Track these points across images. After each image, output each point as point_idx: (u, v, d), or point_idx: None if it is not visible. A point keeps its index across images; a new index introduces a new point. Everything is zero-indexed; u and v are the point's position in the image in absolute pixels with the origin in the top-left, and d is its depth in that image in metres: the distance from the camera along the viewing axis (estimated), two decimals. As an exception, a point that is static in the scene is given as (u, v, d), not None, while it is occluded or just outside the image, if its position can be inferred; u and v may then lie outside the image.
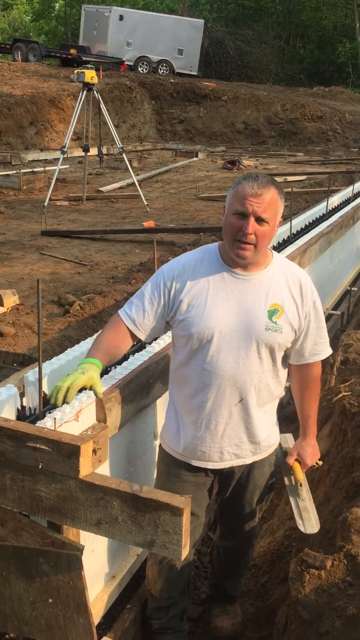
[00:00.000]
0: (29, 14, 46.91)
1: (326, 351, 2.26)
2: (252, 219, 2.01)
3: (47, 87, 19.68)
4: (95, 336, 2.40)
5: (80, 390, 2.34)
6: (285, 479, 2.37)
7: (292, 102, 24.14)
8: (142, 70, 26.16)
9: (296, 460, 2.34)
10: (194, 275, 2.13)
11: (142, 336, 2.20)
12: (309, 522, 2.28)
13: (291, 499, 2.34)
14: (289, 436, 2.46)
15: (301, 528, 2.29)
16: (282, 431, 2.45)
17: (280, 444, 2.40)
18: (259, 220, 2.01)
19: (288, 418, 3.68)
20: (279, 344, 2.12)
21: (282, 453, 2.39)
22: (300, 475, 2.33)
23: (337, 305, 6.12)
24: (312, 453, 2.35)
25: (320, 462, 2.44)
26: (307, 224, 5.89)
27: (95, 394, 2.06)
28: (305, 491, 2.34)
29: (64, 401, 1.97)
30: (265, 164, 17.23)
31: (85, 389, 2.29)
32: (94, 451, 1.94)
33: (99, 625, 2.36)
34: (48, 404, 2.28)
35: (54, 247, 7.93)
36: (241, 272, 2.12)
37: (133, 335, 2.20)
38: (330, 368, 3.57)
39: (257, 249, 2.05)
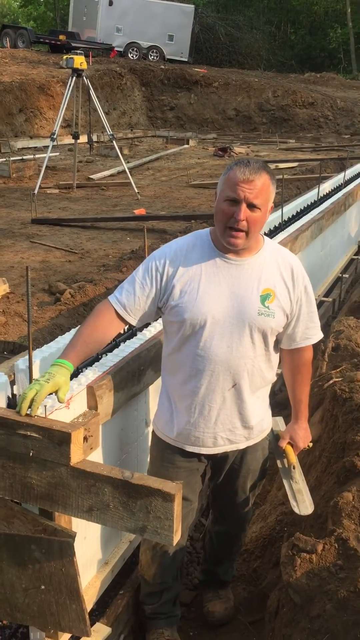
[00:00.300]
0: (17, 0, 46.32)
1: (317, 335, 2.27)
2: (243, 205, 1.99)
3: (36, 74, 19.47)
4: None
5: (70, 378, 2.35)
6: (278, 462, 2.39)
7: (283, 88, 24.03)
8: (132, 56, 25.92)
9: (288, 443, 2.36)
10: (186, 261, 2.12)
11: (132, 321, 2.17)
12: (303, 503, 2.32)
13: (285, 482, 2.37)
14: (280, 419, 2.48)
15: (295, 510, 2.32)
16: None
17: (272, 428, 2.41)
18: (251, 206, 2.00)
19: (280, 405, 3.69)
20: (272, 328, 2.13)
21: (274, 437, 2.41)
22: (293, 458, 2.36)
23: (329, 292, 6.13)
24: (304, 436, 2.38)
25: (311, 444, 2.46)
26: (299, 210, 5.88)
27: (58, 399, 1.95)
28: (298, 473, 2.37)
29: (30, 411, 1.87)
30: (257, 151, 17.17)
31: (76, 378, 2.30)
32: (85, 438, 1.94)
33: (92, 612, 2.37)
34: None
35: (44, 235, 7.88)
36: (233, 258, 2.11)
37: (123, 320, 2.16)
38: (322, 354, 3.58)
39: (249, 236, 2.04)
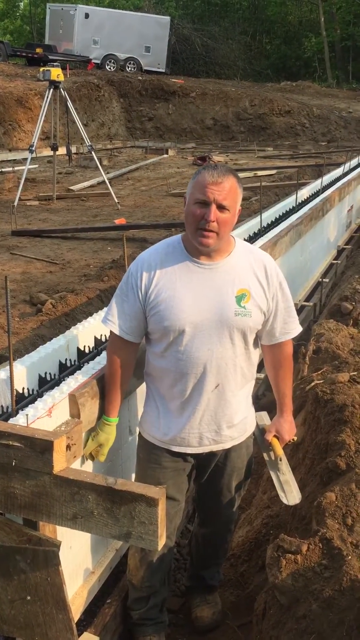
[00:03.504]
0: (-7, 13, 46.30)
1: (296, 329, 2.31)
2: (213, 207, 2.04)
3: (14, 87, 19.46)
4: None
5: (52, 387, 2.36)
6: (265, 455, 2.43)
7: (260, 97, 24.27)
8: (110, 68, 26.04)
9: (274, 436, 2.39)
10: (160, 270, 2.17)
11: (134, 340, 2.25)
12: (291, 493, 2.36)
13: (272, 474, 2.41)
14: (265, 414, 2.51)
15: (284, 500, 2.36)
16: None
17: (257, 422, 2.44)
18: (220, 207, 2.05)
19: (265, 409, 3.71)
20: (250, 327, 2.17)
21: (259, 431, 2.45)
22: (280, 450, 2.39)
23: (310, 296, 6.18)
24: (289, 429, 2.42)
25: (296, 438, 2.50)
26: (278, 216, 5.94)
27: (99, 454, 2.30)
28: (284, 465, 2.41)
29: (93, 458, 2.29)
30: (236, 159, 17.29)
31: (58, 387, 2.31)
32: (68, 447, 1.94)
33: (80, 621, 2.35)
34: (20, 402, 2.27)
35: (24, 247, 7.86)
36: (206, 262, 2.15)
37: (130, 343, 2.24)
38: (303, 357, 3.61)
39: (220, 237, 2.08)
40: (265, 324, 2.22)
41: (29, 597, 1.97)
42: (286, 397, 2.39)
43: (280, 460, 2.39)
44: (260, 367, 2.50)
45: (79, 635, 2.16)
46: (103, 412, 2.30)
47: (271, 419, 2.49)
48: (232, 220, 2.10)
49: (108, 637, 2.41)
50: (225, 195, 2.04)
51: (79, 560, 2.39)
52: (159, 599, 2.44)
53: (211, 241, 2.08)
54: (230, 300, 2.13)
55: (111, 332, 2.26)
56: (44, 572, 1.91)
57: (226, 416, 2.25)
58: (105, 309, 2.37)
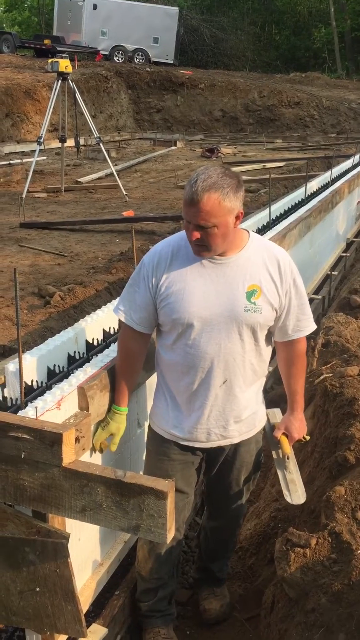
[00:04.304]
0: (2, 5, 46.16)
1: (310, 327, 2.28)
2: (193, 227, 2.01)
3: (22, 79, 19.42)
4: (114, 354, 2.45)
5: (61, 379, 2.36)
6: (273, 453, 2.42)
7: (269, 88, 24.11)
8: (118, 59, 25.91)
9: (283, 434, 2.38)
10: (173, 263, 2.16)
11: (145, 331, 2.25)
12: (296, 493, 2.35)
13: (279, 472, 2.39)
14: (277, 411, 2.49)
15: (288, 499, 2.35)
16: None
17: (268, 419, 2.43)
18: (200, 227, 2.01)
19: (273, 402, 3.70)
20: (260, 324, 2.14)
21: (270, 427, 2.43)
22: (288, 448, 2.37)
23: (318, 289, 6.15)
24: (300, 427, 2.39)
25: (308, 437, 2.48)
26: (287, 209, 5.90)
27: (111, 444, 2.30)
28: (292, 464, 2.39)
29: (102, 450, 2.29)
30: (244, 151, 17.22)
31: (66, 379, 2.31)
32: (77, 439, 1.94)
33: (88, 613, 2.36)
34: (29, 394, 2.27)
35: (33, 239, 7.86)
36: (218, 257, 2.13)
37: (140, 333, 2.24)
38: (312, 351, 3.59)
39: (213, 248, 2.07)
40: (277, 320, 2.20)
41: (38, 589, 1.98)
42: (297, 395, 2.37)
43: (288, 458, 2.37)
44: (269, 359, 2.48)
45: (88, 626, 2.17)
46: (112, 403, 2.30)
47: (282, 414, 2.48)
48: (223, 231, 2.03)
49: (116, 629, 2.41)
50: (203, 216, 1.97)
51: (87, 552, 2.40)
52: (168, 591, 2.45)
53: (204, 253, 2.08)
54: (241, 295, 2.11)
55: (122, 322, 2.26)
56: (53, 563, 1.92)
57: (234, 412, 2.24)
58: (115, 300, 2.37)
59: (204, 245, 2.04)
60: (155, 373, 2.40)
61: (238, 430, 2.28)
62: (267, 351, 2.26)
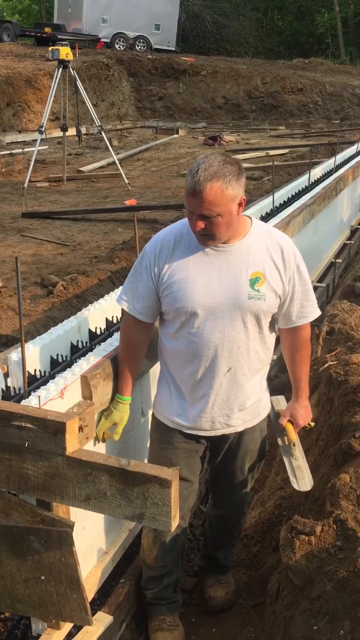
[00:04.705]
0: (1, -7, 45.83)
1: (314, 313, 2.27)
2: (196, 217, 2.00)
3: (23, 67, 19.29)
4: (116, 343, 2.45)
5: (64, 368, 2.36)
6: (279, 440, 2.41)
7: (272, 75, 23.89)
8: (119, 47, 25.69)
9: (289, 421, 2.37)
10: (175, 251, 2.14)
11: (148, 320, 2.24)
12: (302, 479, 2.34)
13: (285, 459, 2.39)
14: (281, 398, 2.49)
15: (295, 486, 2.34)
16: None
17: (272, 406, 2.42)
18: (204, 217, 1.99)
19: (277, 390, 3.69)
20: (264, 311, 2.13)
21: (274, 415, 2.43)
22: (293, 435, 2.37)
23: (323, 277, 6.12)
24: (305, 414, 2.38)
25: (313, 423, 2.48)
26: (290, 196, 5.87)
27: (114, 433, 2.30)
28: (298, 451, 2.38)
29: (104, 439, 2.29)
30: (247, 138, 17.10)
31: (70, 368, 2.30)
32: (81, 428, 1.93)
33: (94, 601, 2.37)
34: (32, 383, 2.27)
35: (35, 229, 7.84)
36: (221, 245, 2.11)
37: (143, 322, 2.24)
38: (317, 338, 3.58)
39: (218, 237, 2.05)
40: (281, 307, 2.18)
41: (43, 577, 1.98)
42: (302, 382, 2.36)
43: (294, 445, 2.37)
44: (274, 347, 2.47)
45: (93, 614, 2.18)
46: (116, 392, 2.29)
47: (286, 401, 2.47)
48: (227, 219, 2.01)
49: (122, 617, 2.42)
50: (206, 206, 1.95)
51: (92, 540, 2.40)
52: (173, 578, 2.45)
53: (208, 242, 2.06)
54: (244, 283, 2.09)
55: (124, 311, 2.25)
56: (58, 552, 1.92)
57: (238, 400, 2.23)
58: (117, 289, 2.36)
59: (209, 234, 2.03)
60: (159, 362, 2.39)
61: (242, 419, 2.28)
62: (271, 338, 2.25)
